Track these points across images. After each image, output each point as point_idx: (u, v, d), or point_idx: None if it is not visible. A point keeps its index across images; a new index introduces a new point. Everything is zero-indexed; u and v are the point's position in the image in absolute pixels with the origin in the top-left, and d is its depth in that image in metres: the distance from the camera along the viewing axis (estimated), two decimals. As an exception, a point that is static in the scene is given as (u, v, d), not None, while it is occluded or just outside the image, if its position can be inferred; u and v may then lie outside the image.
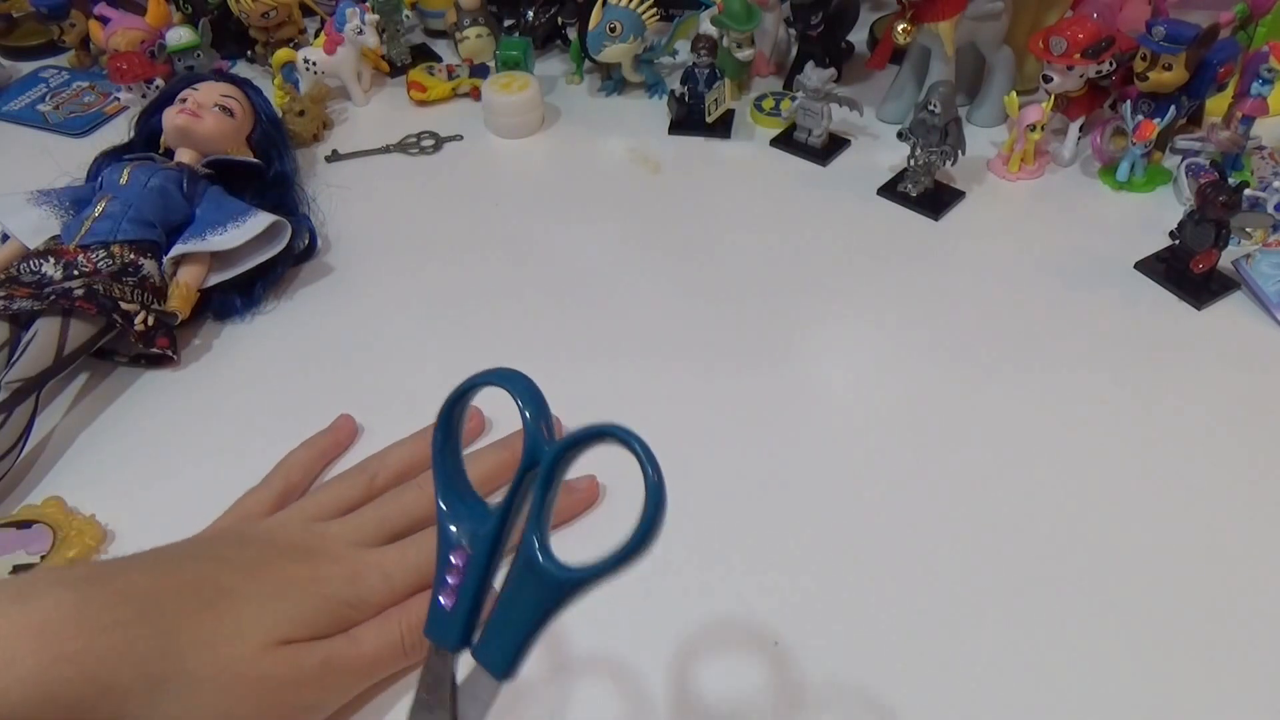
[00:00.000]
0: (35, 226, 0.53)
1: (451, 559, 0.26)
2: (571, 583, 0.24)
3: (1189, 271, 0.53)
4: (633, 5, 0.68)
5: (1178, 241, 0.54)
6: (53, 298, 0.47)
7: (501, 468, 0.43)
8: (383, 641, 0.35)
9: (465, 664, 0.27)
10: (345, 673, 0.34)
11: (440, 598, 0.26)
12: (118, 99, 0.70)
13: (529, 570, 0.25)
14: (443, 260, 0.59)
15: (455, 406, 0.27)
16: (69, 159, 0.63)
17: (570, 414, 0.47)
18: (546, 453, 0.25)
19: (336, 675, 0.34)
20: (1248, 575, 0.40)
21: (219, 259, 0.54)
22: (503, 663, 0.25)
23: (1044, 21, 0.66)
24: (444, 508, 0.27)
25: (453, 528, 0.27)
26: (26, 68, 0.80)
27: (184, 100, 0.58)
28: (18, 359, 0.46)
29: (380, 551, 0.37)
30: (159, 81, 0.67)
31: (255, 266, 0.54)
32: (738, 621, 0.39)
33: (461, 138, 0.70)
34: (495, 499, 0.27)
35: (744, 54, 0.70)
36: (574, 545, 0.41)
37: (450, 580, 0.26)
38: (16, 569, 0.40)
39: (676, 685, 0.37)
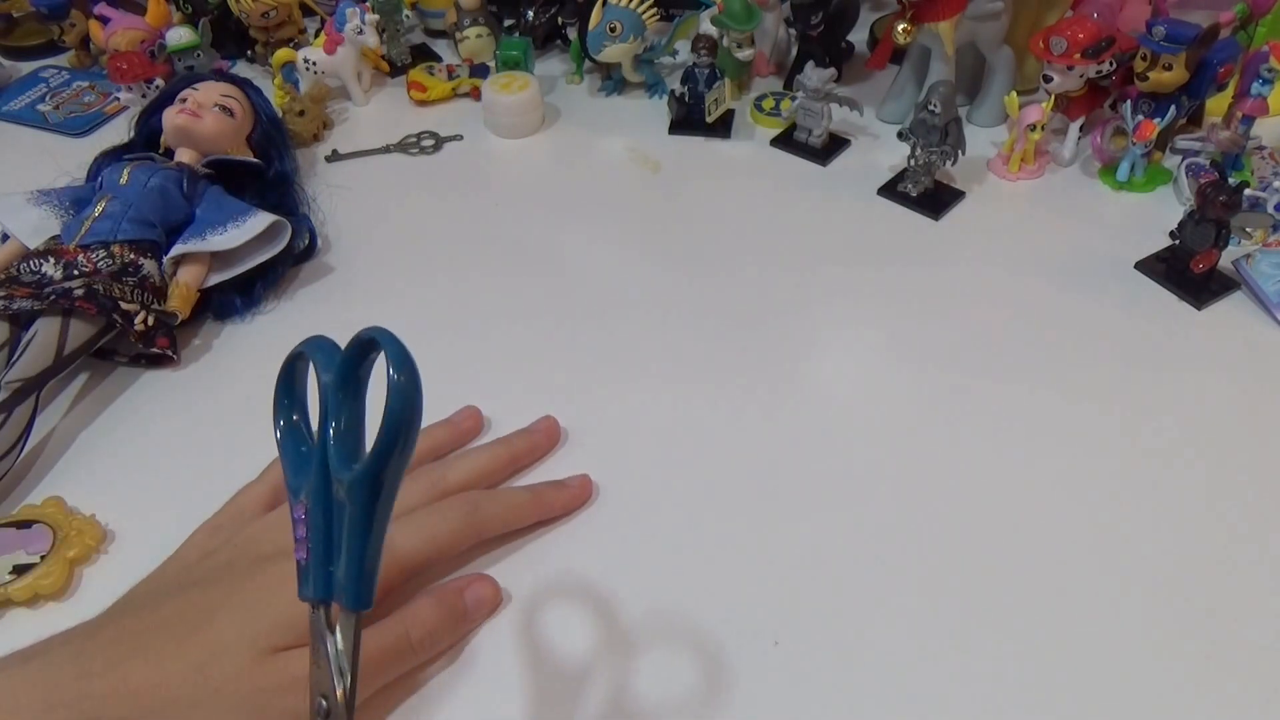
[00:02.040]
0: (35, 226, 0.53)
1: (296, 514, 0.27)
2: (367, 475, 0.24)
3: (1189, 271, 0.53)
4: (633, 5, 0.68)
5: (1178, 241, 0.54)
6: (53, 298, 0.47)
7: (438, 448, 0.44)
8: (385, 643, 0.35)
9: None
10: None
11: (298, 555, 0.26)
12: (118, 99, 0.70)
13: (347, 488, 0.25)
14: (442, 260, 0.59)
15: (293, 369, 0.28)
16: (69, 159, 0.63)
17: (569, 411, 0.47)
18: (328, 381, 0.26)
19: None
20: (1248, 575, 0.40)
21: (219, 259, 0.54)
22: (354, 594, 0.25)
23: (1044, 21, 0.66)
24: (285, 463, 0.27)
25: (293, 482, 0.27)
26: (26, 68, 0.80)
27: (184, 100, 0.58)
28: (18, 359, 0.46)
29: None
30: (159, 81, 0.67)
31: (255, 266, 0.54)
32: (738, 621, 0.39)
33: (461, 138, 0.70)
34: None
35: (744, 54, 0.70)
36: (570, 545, 0.41)
37: (298, 534, 0.26)
38: (17, 569, 0.40)
39: (677, 685, 0.37)
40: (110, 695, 0.31)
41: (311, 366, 0.27)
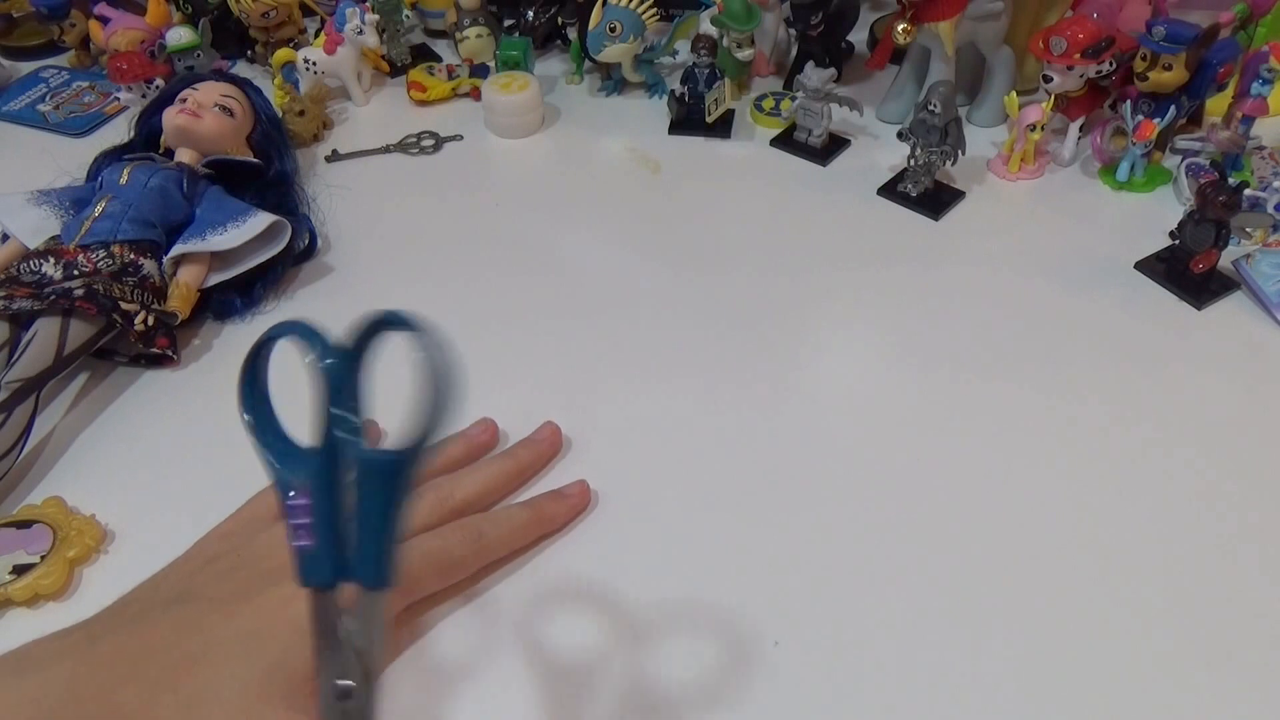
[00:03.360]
0: (35, 226, 0.53)
1: (293, 503, 0.26)
2: (403, 459, 0.24)
3: (1189, 271, 0.53)
4: (633, 5, 0.68)
5: (1178, 241, 0.54)
6: (53, 298, 0.47)
7: (451, 464, 0.44)
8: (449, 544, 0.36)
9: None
10: None
11: (299, 542, 0.26)
12: (118, 99, 0.70)
13: (366, 476, 0.25)
14: (442, 260, 0.59)
15: (258, 357, 0.29)
16: (69, 159, 0.63)
17: (568, 410, 0.47)
18: (335, 358, 0.26)
19: None
20: (1248, 574, 0.40)
21: (219, 259, 0.54)
22: (379, 572, 0.26)
23: (1044, 21, 0.66)
24: (271, 458, 0.27)
25: (284, 467, 0.27)
26: (26, 68, 0.80)
27: (184, 100, 0.58)
28: (18, 359, 0.46)
29: None
30: (159, 81, 0.67)
31: (255, 266, 0.54)
32: (738, 621, 0.39)
33: (461, 138, 0.70)
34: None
35: (744, 54, 0.70)
36: (570, 547, 0.41)
37: (300, 521, 0.26)
38: (17, 569, 0.40)
39: (676, 685, 0.37)
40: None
41: (293, 349, 0.27)
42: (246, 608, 0.34)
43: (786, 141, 0.67)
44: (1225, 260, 0.53)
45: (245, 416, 0.28)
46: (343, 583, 0.26)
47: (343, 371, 0.26)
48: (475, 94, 0.72)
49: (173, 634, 0.33)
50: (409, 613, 0.39)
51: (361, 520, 0.26)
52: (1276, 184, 0.56)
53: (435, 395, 0.24)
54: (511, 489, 0.44)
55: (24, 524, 0.42)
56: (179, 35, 0.71)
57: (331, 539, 0.26)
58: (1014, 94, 0.62)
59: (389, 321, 0.26)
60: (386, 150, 0.69)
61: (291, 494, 0.26)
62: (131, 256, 0.51)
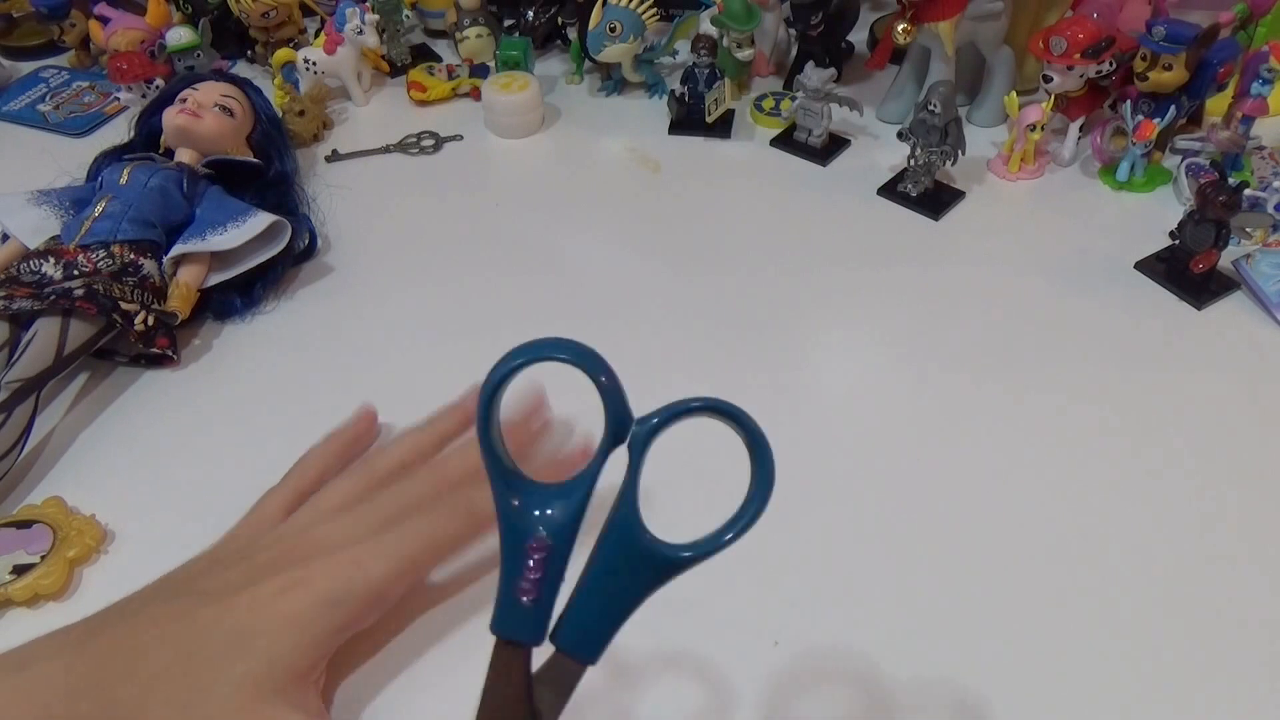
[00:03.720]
0: (35, 226, 0.53)
1: (531, 552, 0.25)
2: (681, 560, 0.24)
3: (1189, 271, 0.53)
4: (633, 5, 0.68)
5: (1178, 241, 0.54)
6: (53, 298, 0.47)
7: (445, 437, 0.43)
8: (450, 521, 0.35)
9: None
10: None
11: (520, 594, 0.24)
12: (118, 99, 0.70)
13: (630, 553, 0.24)
14: (443, 260, 0.59)
15: (499, 389, 0.26)
16: (69, 159, 0.63)
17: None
18: (639, 428, 0.24)
19: None
20: (1248, 574, 0.40)
21: (219, 259, 0.54)
22: (592, 648, 0.25)
23: (1044, 21, 0.66)
24: (509, 497, 0.25)
25: (527, 516, 0.25)
26: (26, 68, 0.80)
27: (184, 100, 0.58)
28: (18, 359, 0.46)
29: (375, 538, 0.36)
30: (159, 81, 0.67)
31: (255, 266, 0.54)
32: (738, 621, 0.39)
33: (461, 138, 0.70)
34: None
35: (744, 54, 0.70)
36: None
37: (531, 575, 0.24)
38: (17, 569, 0.40)
39: (676, 685, 0.37)
40: (96, 717, 0.31)
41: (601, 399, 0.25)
42: (240, 601, 0.33)
43: (786, 141, 0.67)
44: (1225, 260, 0.53)
45: (484, 438, 0.25)
46: (538, 644, 0.25)
47: (647, 441, 0.24)
48: (475, 94, 0.72)
49: (167, 630, 0.33)
50: (404, 608, 0.39)
51: (599, 594, 0.24)
52: (1276, 184, 0.56)
53: (750, 501, 0.23)
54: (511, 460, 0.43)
55: (24, 524, 0.42)
56: (179, 35, 0.71)
57: (553, 600, 0.25)
58: (1014, 94, 0.62)
59: (714, 409, 0.24)
60: (386, 150, 0.69)
61: (531, 543, 0.25)
62: (131, 256, 0.51)
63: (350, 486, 0.40)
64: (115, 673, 0.32)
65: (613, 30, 0.68)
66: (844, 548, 0.41)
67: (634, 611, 0.24)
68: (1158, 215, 0.59)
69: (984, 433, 0.47)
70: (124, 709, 0.31)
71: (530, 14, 0.76)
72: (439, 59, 0.78)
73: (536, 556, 0.24)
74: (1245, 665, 0.37)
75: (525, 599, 0.24)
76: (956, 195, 0.62)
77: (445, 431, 0.44)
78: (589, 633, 0.25)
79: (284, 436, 0.43)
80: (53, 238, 0.52)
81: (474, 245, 0.60)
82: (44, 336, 0.46)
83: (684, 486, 0.37)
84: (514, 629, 0.25)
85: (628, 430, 0.24)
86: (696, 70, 0.67)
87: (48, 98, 0.76)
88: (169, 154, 0.58)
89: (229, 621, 0.33)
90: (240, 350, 0.53)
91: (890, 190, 0.62)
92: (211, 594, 0.34)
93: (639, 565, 0.24)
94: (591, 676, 0.37)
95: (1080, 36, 0.58)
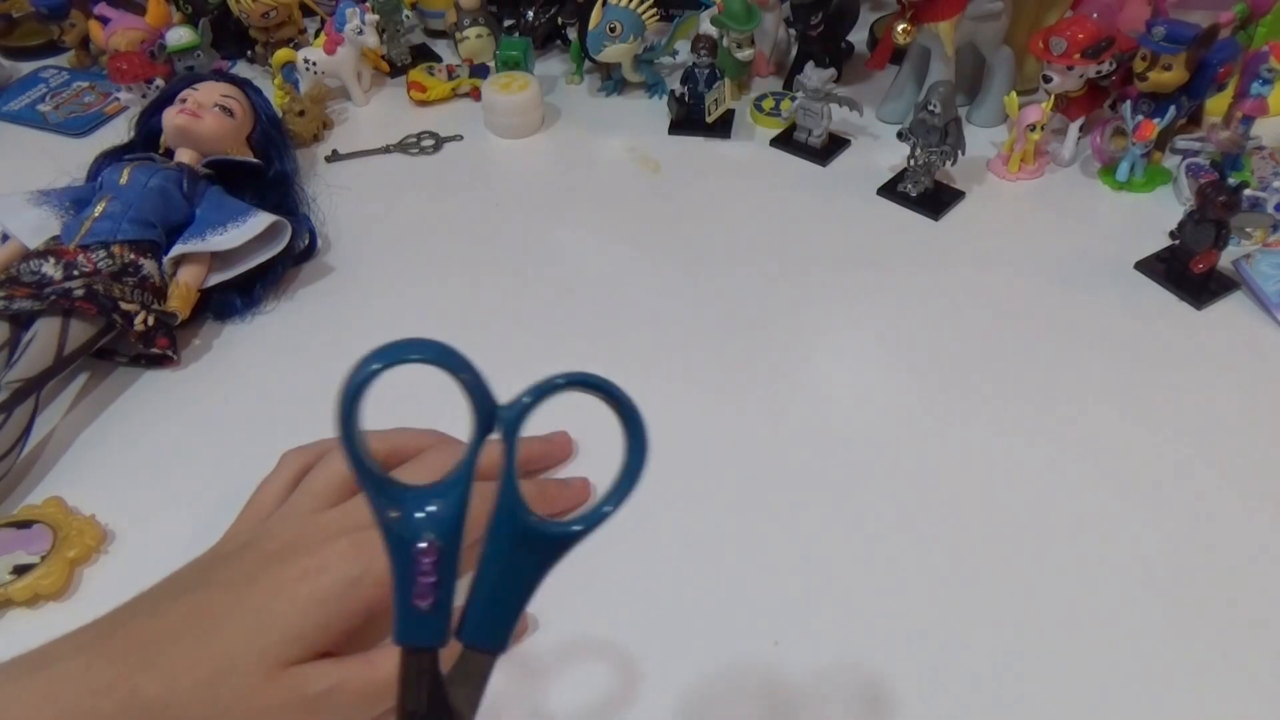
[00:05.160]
0: (35, 226, 0.53)
1: (420, 557, 0.24)
2: (563, 536, 0.24)
3: (1189, 271, 0.53)
4: (633, 5, 0.68)
5: (1178, 241, 0.54)
6: (53, 298, 0.47)
7: (527, 460, 0.43)
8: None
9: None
10: (358, 696, 0.33)
11: (416, 601, 0.24)
12: (118, 99, 0.70)
13: (519, 538, 0.24)
14: (443, 260, 0.59)
15: (358, 396, 0.25)
16: (69, 159, 0.63)
17: (567, 410, 0.47)
18: (507, 413, 0.24)
19: (348, 699, 0.33)
20: (1248, 574, 0.40)
21: (219, 259, 0.54)
22: (499, 637, 0.25)
23: (1044, 21, 0.66)
24: (386, 507, 0.24)
25: (411, 521, 0.24)
26: (26, 68, 0.80)
27: (184, 100, 0.58)
28: (18, 359, 0.46)
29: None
30: (159, 81, 0.67)
31: (255, 266, 0.54)
32: (738, 621, 0.39)
33: (461, 138, 0.70)
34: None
35: (744, 54, 0.70)
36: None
37: (425, 580, 0.24)
38: (17, 569, 0.40)
39: (676, 685, 0.37)
40: (120, 712, 0.31)
41: (450, 380, 0.24)
42: (258, 588, 0.34)
43: (786, 141, 0.67)
44: (1225, 260, 0.53)
45: (349, 452, 0.25)
46: (443, 646, 0.25)
47: (516, 421, 0.24)
48: (475, 94, 0.72)
49: (184, 621, 0.33)
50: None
51: (496, 583, 0.24)
52: (1276, 184, 0.56)
53: (626, 471, 0.23)
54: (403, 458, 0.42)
55: (24, 524, 0.42)
56: (179, 35, 0.71)
57: (450, 600, 0.24)
58: (1014, 94, 0.62)
59: (581, 382, 0.24)
60: (386, 150, 0.69)
61: (420, 549, 0.24)
62: (131, 256, 0.51)
63: (343, 468, 0.39)
64: (135, 666, 0.32)
65: (613, 30, 0.68)
66: (844, 547, 0.41)
67: (533, 594, 0.25)
68: (1158, 215, 0.59)
69: (984, 432, 0.47)
70: (147, 700, 0.31)
71: (530, 14, 0.76)
72: (439, 59, 0.78)
73: (427, 560, 0.24)
74: (1246, 665, 0.37)
75: (423, 604, 0.24)
76: (956, 195, 0.62)
77: (430, 436, 0.43)
78: (493, 623, 0.25)
79: (284, 436, 0.43)
80: (53, 238, 0.52)
81: (474, 245, 0.60)
82: (44, 337, 0.46)
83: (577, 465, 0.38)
84: (417, 635, 0.24)
85: (494, 417, 0.24)
86: (696, 70, 0.67)
87: (48, 98, 0.76)
88: (169, 154, 0.58)
89: (249, 605, 0.33)
90: (240, 350, 0.53)
91: (890, 190, 0.62)
92: (226, 583, 0.34)
93: (527, 547, 0.24)
94: (592, 675, 0.37)
95: (1080, 36, 0.58)
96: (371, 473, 0.24)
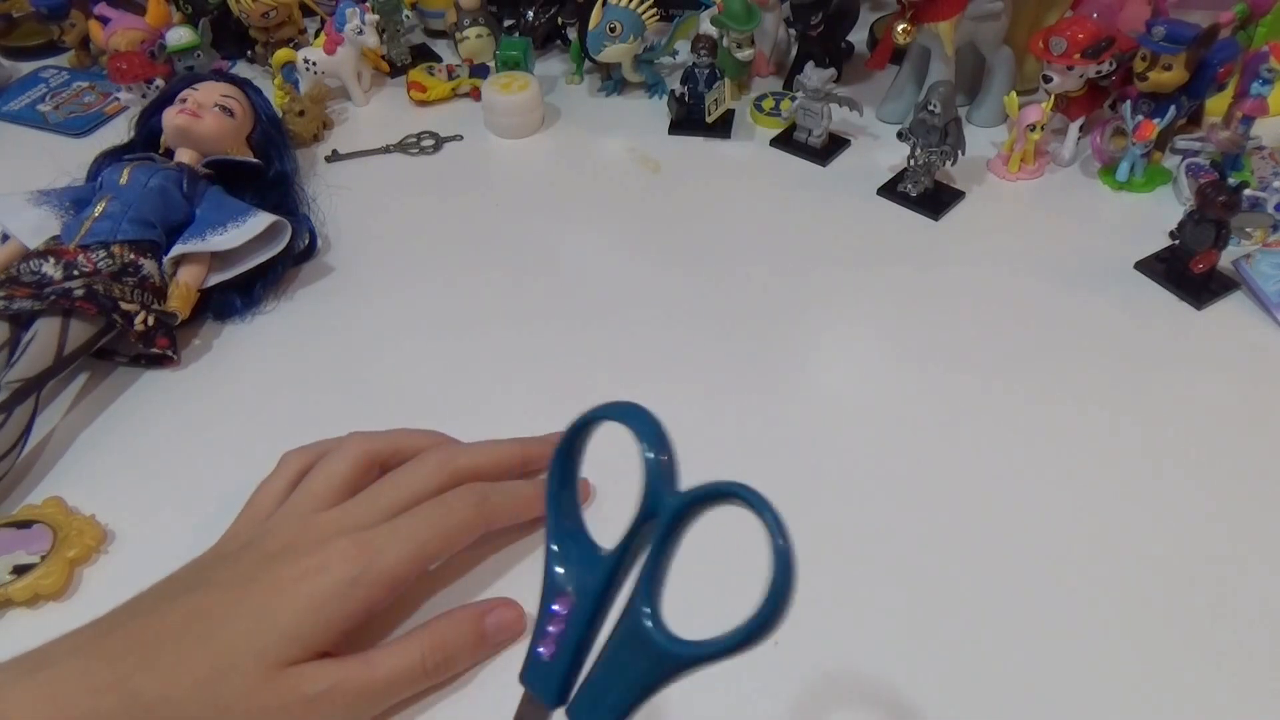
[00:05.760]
0: (35, 226, 0.53)
1: (555, 606, 0.24)
2: (682, 660, 0.23)
3: (1189, 271, 0.53)
4: (633, 5, 0.68)
5: (1178, 241, 0.54)
6: (53, 298, 0.47)
7: (527, 460, 0.42)
8: (400, 664, 0.34)
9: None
10: (356, 697, 0.33)
11: (539, 646, 0.25)
12: (118, 99, 0.70)
13: (634, 639, 0.23)
14: (443, 260, 0.59)
15: (575, 441, 0.25)
16: (69, 159, 0.63)
17: (568, 411, 0.47)
18: (669, 505, 0.23)
19: (347, 699, 0.33)
20: (1248, 574, 0.40)
21: (219, 259, 0.54)
22: None
23: (1044, 21, 0.66)
24: (555, 548, 0.25)
25: (560, 570, 0.25)
26: (26, 68, 0.80)
27: (184, 100, 0.58)
28: (18, 359, 0.46)
29: (389, 524, 0.36)
30: (159, 81, 0.67)
31: (255, 266, 0.54)
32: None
33: (461, 138, 0.70)
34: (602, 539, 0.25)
35: (744, 54, 0.70)
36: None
37: (551, 629, 0.24)
38: (17, 569, 0.40)
39: (675, 685, 0.37)
40: (119, 713, 0.31)
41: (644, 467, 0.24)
42: (257, 587, 0.34)
43: (786, 141, 0.67)
44: (1225, 260, 0.53)
45: (549, 504, 0.25)
46: (555, 708, 0.25)
47: (673, 519, 0.23)
48: (475, 94, 0.72)
49: (183, 621, 0.33)
50: (406, 600, 0.39)
51: (608, 675, 0.24)
52: (1276, 184, 0.56)
53: (763, 611, 0.22)
54: (513, 474, 0.43)
55: (24, 524, 0.42)
56: (179, 35, 0.71)
57: (571, 662, 0.24)
58: (1014, 94, 0.62)
59: (732, 494, 0.23)
60: (386, 150, 0.69)
61: (556, 598, 0.24)
62: (131, 256, 0.51)
63: (342, 468, 0.39)
64: (134, 666, 0.32)
65: (613, 30, 0.68)
66: (844, 548, 0.41)
67: (643, 701, 0.23)
68: (1158, 215, 0.59)
69: (983, 432, 0.47)
70: (146, 701, 0.31)
71: (530, 14, 0.76)
72: (439, 59, 0.78)
73: (560, 611, 0.24)
74: (1247, 665, 0.37)
75: (543, 651, 0.24)
76: (956, 195, 0.62)
77: (430, 437, 0.44)
78: (598, 709, 0.24)
79: (284, 436, 0.43)
80: (53, 238, 0.52)
81: (474, 245, 0.60)
82: (44, 336, 0.46)
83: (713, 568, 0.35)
84: (533, 682, 0.25)
85: (662, 503, 0.23)
86: (696, 70, 0.67)
87: (48, 98, 0.76)
88: (169, 154, 0.58)
89: (248, 605, 0.33)
90: (240, 350, 0.53)
91: (890, 190, 0.62)
92: (226, 583, 0.34)
93: (640, 654, 0.23)
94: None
95: (1080, 36, 0.58)
96: (573, 519, 0.25)
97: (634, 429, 0.24)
